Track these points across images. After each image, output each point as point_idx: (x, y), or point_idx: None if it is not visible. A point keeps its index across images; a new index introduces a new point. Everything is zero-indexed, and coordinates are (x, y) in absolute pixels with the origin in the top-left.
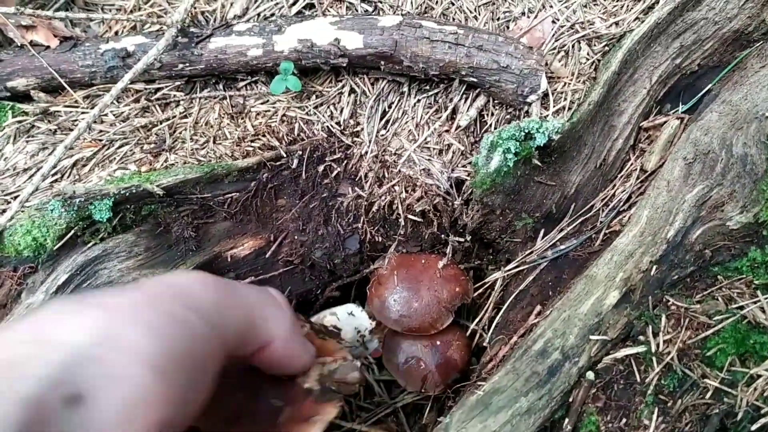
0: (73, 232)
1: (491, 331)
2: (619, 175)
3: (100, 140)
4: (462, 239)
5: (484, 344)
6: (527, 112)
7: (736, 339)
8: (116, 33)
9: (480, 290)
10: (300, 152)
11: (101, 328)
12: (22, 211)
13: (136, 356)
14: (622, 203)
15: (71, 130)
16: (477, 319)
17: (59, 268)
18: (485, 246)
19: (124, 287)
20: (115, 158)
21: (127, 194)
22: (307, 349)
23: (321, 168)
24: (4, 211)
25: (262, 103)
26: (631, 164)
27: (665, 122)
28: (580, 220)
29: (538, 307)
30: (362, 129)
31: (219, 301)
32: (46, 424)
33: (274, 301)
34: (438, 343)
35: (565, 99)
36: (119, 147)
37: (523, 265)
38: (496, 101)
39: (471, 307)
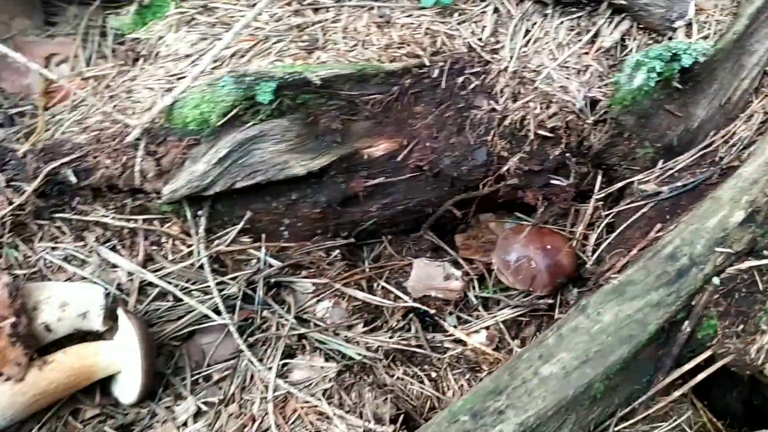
0: (236, 110)
1: (605, 244)
2: (741, 115)
3: (257, 36)
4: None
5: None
6: (670, 38)
7: None
8: None
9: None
10: (441, 63)
11: None
12: (193, 87)
13: None
14: (741, 142)
15: (228, 24)
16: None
17: (220, 143)
18: (603, 172)
19: None
20: (271, 52)
21: (290, 80)
22: None
23: (460, 80)
24: (169, 89)
25: (407, 16)
26: (754, 106)
27: None
28: (699, 154)
29: (658, 225)
30: (502, 47)
31: None
32: None
33: None
34: (549, 247)
35: (709, 29)
36: (275, 42)
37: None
38: (640, 26)
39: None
